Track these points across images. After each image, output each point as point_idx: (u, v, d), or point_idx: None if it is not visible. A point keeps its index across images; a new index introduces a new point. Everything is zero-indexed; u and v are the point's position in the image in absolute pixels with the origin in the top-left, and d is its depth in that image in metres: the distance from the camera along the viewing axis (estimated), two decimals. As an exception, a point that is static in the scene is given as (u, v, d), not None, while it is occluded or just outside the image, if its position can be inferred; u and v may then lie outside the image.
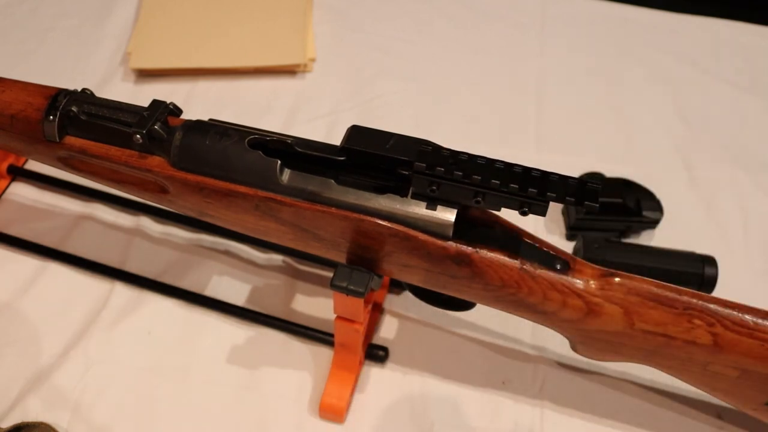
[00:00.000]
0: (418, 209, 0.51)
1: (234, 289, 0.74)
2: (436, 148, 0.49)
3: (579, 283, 0.52)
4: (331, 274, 0.55)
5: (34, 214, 0.80)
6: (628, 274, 0.53)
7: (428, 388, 0.67)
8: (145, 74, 0.96)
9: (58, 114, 0.56)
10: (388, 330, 0.71)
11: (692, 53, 1.03)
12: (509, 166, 0.47)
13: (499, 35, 1.04)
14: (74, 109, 0.56)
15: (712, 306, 0.51)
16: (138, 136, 0.54)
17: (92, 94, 0.59)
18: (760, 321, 0.51)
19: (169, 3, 1.03)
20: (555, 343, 0.70)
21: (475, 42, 1.03)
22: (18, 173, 0.83)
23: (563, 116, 0.94)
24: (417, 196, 0.51)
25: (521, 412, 0.66)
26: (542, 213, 0.47)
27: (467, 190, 0.48)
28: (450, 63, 1.00)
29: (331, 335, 0.66)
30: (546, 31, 1.05)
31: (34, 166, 0.84)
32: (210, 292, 0.73)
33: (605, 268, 0.54)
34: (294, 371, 0.68)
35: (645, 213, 0.77)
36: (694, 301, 0.52)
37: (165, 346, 0.69)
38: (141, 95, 0.93)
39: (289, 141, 0.54)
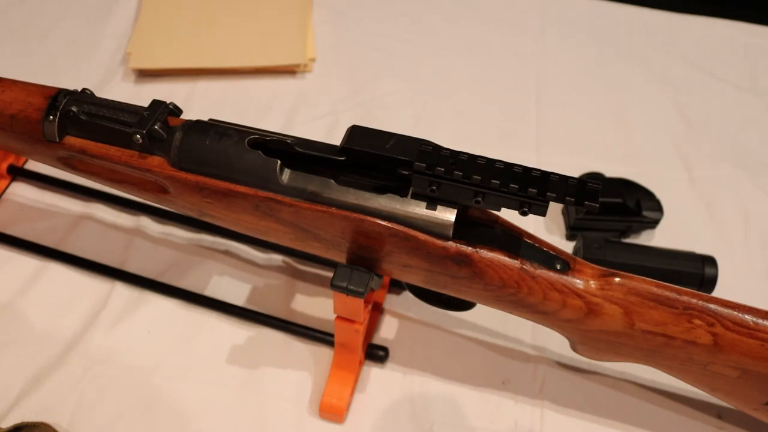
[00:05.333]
0: (418, 209, 0.51)
1: (234, 289, 0.74)
2: (436, 148, 0.49)
3: (579, 283, 0.52)
4: (331, 274, 0.55)
5: (34, 214, 0.80)
6: (628, 274, 0.53)
7: (428, 388, 0.67)
8: (145, 74, 0.96)
9: (58, 114, 0.56)
10: (388, 330, 0.71)
11: (692, 53, 1.03)
12: (509, 166, 0.47)
13: (499, 35, 1.04)
14: (74, 109, 0.56)
15: (712, 306, 0.51)
16: (138, 136, 0.54)
17: (92, 94, 0.59)
18: (760, 321, 0.51)
19: (169, 3, 1.03)
20: (555, 343, 0.70)
21: (475, 42, 1.04)
22: (18, 173, 0.83)
23: (563, 116, 0.94)
24: (417, 196, 0.51)
25: (521, 412, 0.66)
26: (542, 213, 0.47)
27: (467, 190, 0.48)
28: (450, 63, 1.01)
29: (331, 335, 0.66)
30: (546, 31, 1.05)
31: (34, 166, 0.83)
32: (210, 292, 0.73)
33: (605, 268, 0.54)
34: (294, 371, 0.68)
35: (645, 213, 0.77)
36: (694, 301, 0.52)
37: (165, 346, 0.69)
38: (141, 95, 0.93)
39: (289, 141, 0.54)
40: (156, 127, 0.54)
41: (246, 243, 0.77)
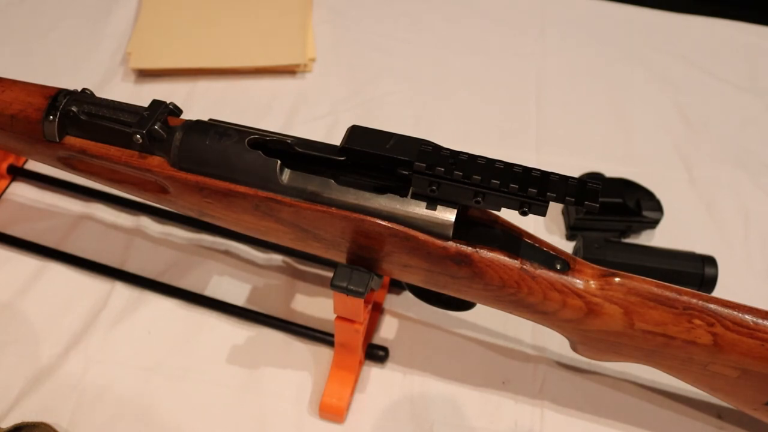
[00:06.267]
0: (418, 209, 0.51)
1: (234, 289, 0.74)
2: (436, 148, 0.49)
3: (579, 283, 0.52)
4: (331, 274, 0.55)
5: (34, 214, 0.80)
6: (628, 274, 0.53)
7: (428, 388, 0.67)
8: (145, 74, 0.96)
9: (58, 114, 0.56)
10: (388, 330, 0.71)
11: (692, 53, 1.03)
12: (509, 166, 0.47)
13: (499, 35, 1.04)
14: (74, 109, 0.56)
15: (712, 306, 0.51)
16: (138, 136, 0.54)
17: (92, 94, 0.59)
18: (760, 321, 0.51)
19: (169, 3, 1.03)
20: (555, 343, 0.70)
21: (475, 42, 1.04)
22: (18, 173, 0.83)
23: (563, 116, 0.94)
24: (417, 196, 0.51)
25: (521, 412, 0.66)
26: (542, 213, 0.47)
27: (467, 190, 0.48)
28: (450, 63, 1.01)
29: (331, 335, 0.66)
30: (546, 31, 1.05)
31: (34, 166, 0.83)
32: (210, 292, 0.73)
33: (605, 268, 0.54)
34: (294, 371, 0.68)
35: (645, 213, 0.77)
36: (694, 301, 0.52)
37: (165, 346, 0.69)
38: (141, 95, 0.93)
39: (289, 141, 0.54)
40: (156, 127, 0.54)
41: (246, 243, 0.77)
